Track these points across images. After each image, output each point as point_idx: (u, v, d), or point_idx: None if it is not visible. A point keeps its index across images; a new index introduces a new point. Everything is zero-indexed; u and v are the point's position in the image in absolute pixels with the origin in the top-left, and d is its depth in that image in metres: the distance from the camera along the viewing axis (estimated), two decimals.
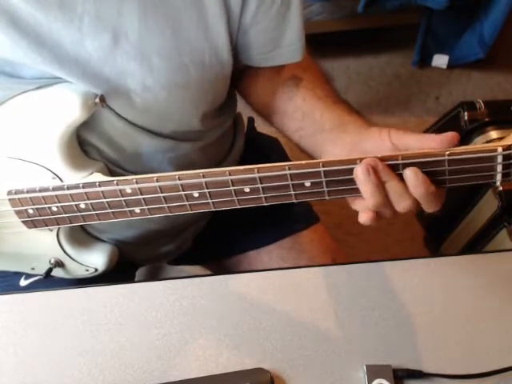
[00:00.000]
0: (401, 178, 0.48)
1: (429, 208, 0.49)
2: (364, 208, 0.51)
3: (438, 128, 1.34)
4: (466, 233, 1.27)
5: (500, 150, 0.46)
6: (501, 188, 1.10)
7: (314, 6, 1.88)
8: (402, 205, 0.49)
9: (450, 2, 1.69)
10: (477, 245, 1.23)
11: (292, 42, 0.63)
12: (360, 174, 0.47)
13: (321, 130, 0.61)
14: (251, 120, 0.91)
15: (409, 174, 0.47)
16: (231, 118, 0.75)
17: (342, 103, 0.63)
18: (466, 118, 1.21)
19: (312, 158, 0.62)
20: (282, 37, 0.62)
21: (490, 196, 1.16)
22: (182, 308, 0.62)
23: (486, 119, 1.19)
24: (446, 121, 1.32)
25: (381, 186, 0.48)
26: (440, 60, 2.01)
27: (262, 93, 0.70)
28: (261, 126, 0.92)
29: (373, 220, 0.51)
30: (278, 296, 0.63)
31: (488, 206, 1.17)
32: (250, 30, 0.60)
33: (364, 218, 0.51)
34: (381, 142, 0.51)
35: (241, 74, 0.72)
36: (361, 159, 0.48)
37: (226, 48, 0.59)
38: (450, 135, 0.46)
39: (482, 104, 1.22)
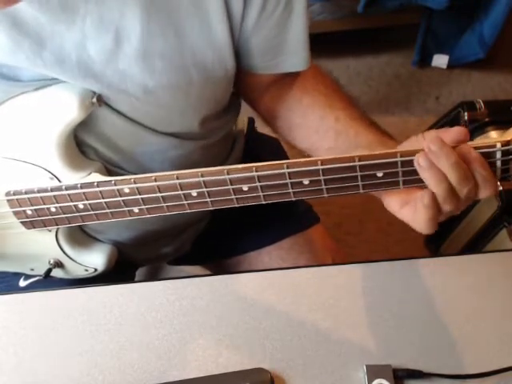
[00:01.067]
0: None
1: (487, 190, 0.48)
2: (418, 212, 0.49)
3: (438, 128, 1.34)
4: (466, 233, 1.27)
5: (499, 145, 0.46)
6: (501, 188, 1.10)
7: (314, 5, 1.88)
8: (465, 189, 0.47)
9: (450, 2, 1.69)
10: (477, 245, 1.23)
11: (294, 50, 0.63)
12: (422, 161, 0.46)
13: (355, 147, 0.60)
14: (251, 120, 0.91)
15: (463, 148, 0.46)
16: (234, 120, 0.75)
17: (376, 126, 0.62)
18: (466, 117, 1.21)
19: None
20: (284, 44, 0.62)
21: (489, 196, 1.16)
22: (181, 308, 0.62)
23: (486, 119, 1.18)
24: (446, 121, 1.32)
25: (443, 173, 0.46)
26: (440, 60, 2.01)
27: (289, 113, 0.68)
28: (261, 126, 0.93)
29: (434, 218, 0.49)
30: (277, 296, 0.63)
31: (488, 206, 1.16)
32: (253, 37, 0.60)
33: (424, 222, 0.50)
34: (417, 142, 0.50)
35: (265, 95, 0.70)
36: (359, 157, 0.48)
37: (229, 51, 0.58)
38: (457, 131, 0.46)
39: (481, 104, 1.22)
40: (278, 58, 0.64)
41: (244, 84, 0.69)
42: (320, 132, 0.65)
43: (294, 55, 0.63)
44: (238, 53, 0.63)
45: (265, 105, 0.71)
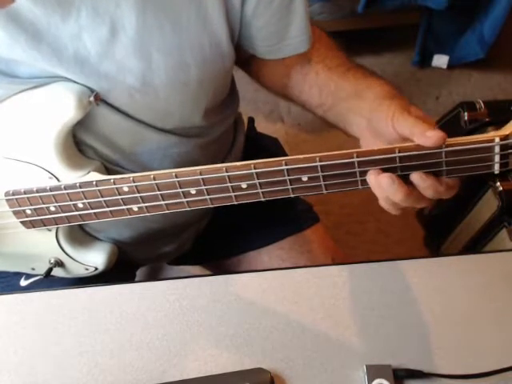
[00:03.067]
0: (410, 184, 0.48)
1: (444, 197, 0.49)
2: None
3: (438, 128, 1.34)
4: (466, 233, 1.27)
5: (497, 139, 0.46)
6: (501, 188, 1.10)
7: (314, 5, 1.88)
8: (418, 205, 0.49)
9: (449, 2, 1.69)
10: (477, 245, 1.23)
11: (297, 33, 0.63)
12: (373, 181, 0.48)
13: (338, 101, 0.61)
14: (251, 120, 0.91)
15: (416, 179, 0.47)
16: (233, 115, 0.75)
17: (355, 69, 0.62)
18: (465, 118, 1.21)
19: (343, 131, 0.62)
20: (286, 29, 0.62)
21: (489, 196, 1.16)
22: (182, 308, 0.62)
23: (486, 119, 1.19)
24: (446, 121, 1.32)
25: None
26: (440, 60, 2.01)
27: (276, 76, 0.70)
28: (261, 126, 0.93)
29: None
30: (278, 296, 0.63)
31: (488, 205, 1.16)
32: (253, 23, 0.60)
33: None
34: (387, 127, 0.51)
35: (251, 60, 0.71)
36: (357, 153, 0.48)
37: (227, 41, 0.58)
38: (435, 137, 0.46)
39: (481, 104, 1.22)
40: (281, 43, 0.64)
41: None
42: (306, 91, 0.66)
43: (297, 38, 0.63)
44: (241, 40, 0.63)
45: (253, 66, 0.72)
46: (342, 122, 0.61)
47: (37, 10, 0.49)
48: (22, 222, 0.62)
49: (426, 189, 0.47)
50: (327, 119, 0.64)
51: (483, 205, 1.19)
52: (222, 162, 0.74)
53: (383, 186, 0.47)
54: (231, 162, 0.75)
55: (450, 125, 1.28)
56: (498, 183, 1.10)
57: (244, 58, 0.68)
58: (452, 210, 1.32)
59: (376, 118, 0.53)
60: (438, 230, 1.42)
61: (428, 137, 0.46)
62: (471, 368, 0.56)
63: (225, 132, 0.72)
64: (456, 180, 0.49)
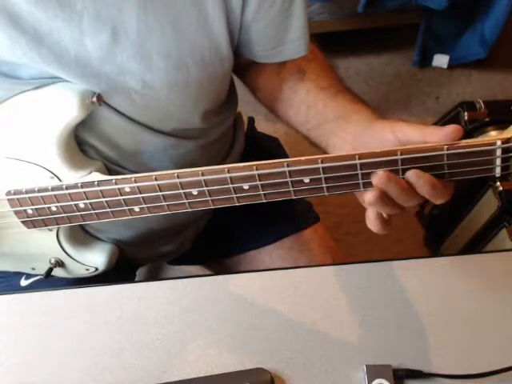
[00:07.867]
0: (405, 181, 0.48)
1: (437, 202, 0.49)
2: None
3: None
4: (466, 233, 1.27)
5: (499, 143, 0.46)
6: (501, 188, 1.10)
7: (314, 5, 1.88)
8: (408, 204, 0.49)
9: (450, 2, 1.69)
10: (477, 245, 1.23)
11: (296, 37, 0.63)
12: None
13: (324, 121, 0.61)
14: (251, 120, 0.91)
15: (411, 177, 0.47)
16: (232, 116, 0.75)
17: (345, 92, 0.63)
18: (465, 118, 1.21)
19: (321, 151, 0.62)
20: (285, 33, 0.62)
21: (489, 196, 1.16)
22: (182, 308, 0.62)
23: (486, 119, 1.19)
24: (445, 121, 1.32)
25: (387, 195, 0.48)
26: (440, 60, 2.01)
27: (268, 87, 0.70)
28: (261, 126, 0.93)
29: (380, 220, 0.52)
30: (278, 296, 0.63)
31: (488, 206, 1.17)
32: (253, 27, 0.60)
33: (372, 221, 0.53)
34: (384, 136, 0.51)
35: (247, 70, 0.72)
36: (359, 155, 0.48)
37: (226, 45, 0.59)
38: (452, 128, 0.46)
39: (481, 104, 1.22)
40: (280, 47, 0.64)
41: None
42: (294, 107, 0.66)
43: (296, 43, 0.63)
44: (240, 43, 0.63)
45: (247, 77, 0.73)
46: (324, 142, 0.62)
47: (38, 13, 0.49)
48: (23, 222, 0.62)
49: (422, 187, 0.47)
50: (309, 137, 0.65)
51: (483, 205, 1.19)
52: (223, 162, 0.75)
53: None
54: (232, 161, 0.76)
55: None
56: (498, 183, 1.11)
57: (241, 65, 0.69)
58: (452, 209, 1.32)
59: (369, 135, 0.53)
60: (438, 230, 1.42)
61: (446, 128, 0.46)
62: (471, 368, 0.56)
63: (224, 133, 0.72)
64: (451, 182, 0.49)
